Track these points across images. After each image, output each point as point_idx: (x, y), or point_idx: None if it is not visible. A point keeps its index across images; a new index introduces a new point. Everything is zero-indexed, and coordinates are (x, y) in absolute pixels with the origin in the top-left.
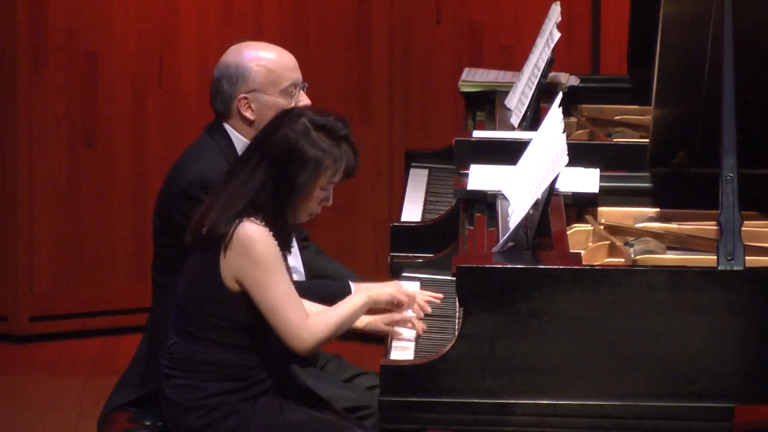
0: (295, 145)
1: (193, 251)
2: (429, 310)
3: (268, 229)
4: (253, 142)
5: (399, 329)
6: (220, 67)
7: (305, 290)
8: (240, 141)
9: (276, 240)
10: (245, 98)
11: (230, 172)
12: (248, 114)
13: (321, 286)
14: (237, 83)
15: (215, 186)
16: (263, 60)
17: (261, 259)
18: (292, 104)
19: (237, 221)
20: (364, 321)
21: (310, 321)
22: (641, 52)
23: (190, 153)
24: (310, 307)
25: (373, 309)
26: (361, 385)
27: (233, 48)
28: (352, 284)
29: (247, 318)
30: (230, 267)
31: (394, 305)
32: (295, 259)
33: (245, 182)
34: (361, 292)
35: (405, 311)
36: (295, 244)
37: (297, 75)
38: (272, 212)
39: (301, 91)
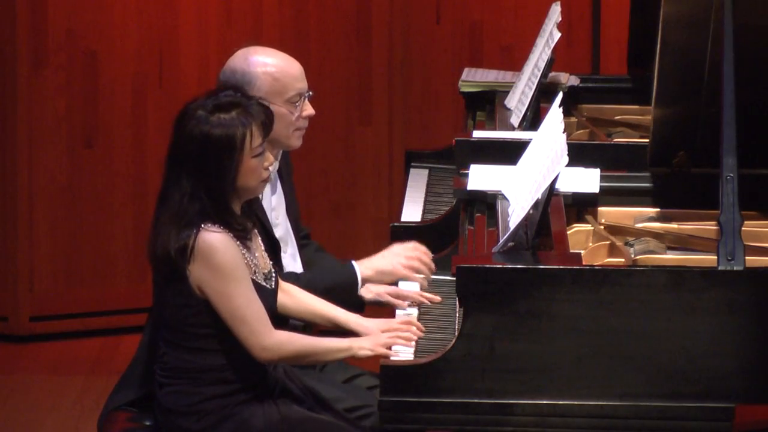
0: (202, 136)
1: (161, 276)
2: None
3: (226, 231)
4: (167, 158)
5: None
6: (225, 72)
7: (310, 281)
8: None
9: (237, 234)
10: None
11: (161, 194)
12: None
13: (324, 275)
14: (242, 90)
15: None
16: (270, 68)
17: (221, 268)
18: (297, 114)
19: (195, 231)
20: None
21: (283, 334)
22: (641, 52)
23: None
24: (303, 296)
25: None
26: (361, 386)
27: (240, 52)
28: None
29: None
30: (194, 277)
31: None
32: (293, 260)
33: (179, 197)
34: (346, 341)
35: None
36: (294, 245)
37: (303, 84)
38: (216, 209)
39: (306, 101)
